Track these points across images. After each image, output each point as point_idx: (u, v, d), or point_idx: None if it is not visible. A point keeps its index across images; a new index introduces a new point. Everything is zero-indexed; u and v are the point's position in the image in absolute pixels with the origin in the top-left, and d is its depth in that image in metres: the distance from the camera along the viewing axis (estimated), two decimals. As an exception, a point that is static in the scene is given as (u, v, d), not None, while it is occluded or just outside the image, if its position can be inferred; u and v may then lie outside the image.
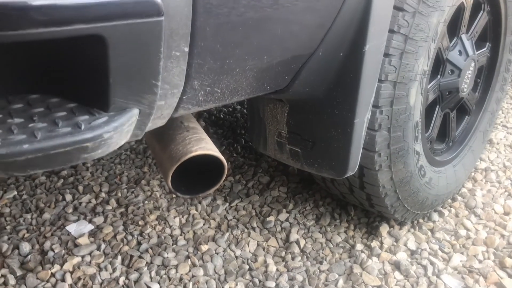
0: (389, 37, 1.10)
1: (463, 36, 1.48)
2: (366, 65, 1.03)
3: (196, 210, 1.69)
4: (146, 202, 1.73)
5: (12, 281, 1.37)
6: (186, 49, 0.73)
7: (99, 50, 0.62)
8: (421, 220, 1.62)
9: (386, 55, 1.12)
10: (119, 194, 1.78)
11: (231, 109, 2.53)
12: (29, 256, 1.46)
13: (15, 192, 1.79)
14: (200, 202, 1.72)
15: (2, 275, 1.39)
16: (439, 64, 1.41)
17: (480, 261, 1.46)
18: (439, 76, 1.43)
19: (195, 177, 1.02)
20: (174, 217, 1.65)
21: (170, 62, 0.70)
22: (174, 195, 1.77)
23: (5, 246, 1.50)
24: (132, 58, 0.64)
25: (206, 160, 0.97)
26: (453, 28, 1.44)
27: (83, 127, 0.64)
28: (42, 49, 0.66)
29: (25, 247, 1.50)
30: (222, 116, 2.44)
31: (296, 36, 0.95)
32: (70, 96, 0.72)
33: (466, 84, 1.51)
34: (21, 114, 0.67)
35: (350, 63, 1.03)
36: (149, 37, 0.64)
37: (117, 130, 0.67)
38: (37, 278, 1.39)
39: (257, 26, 0.84)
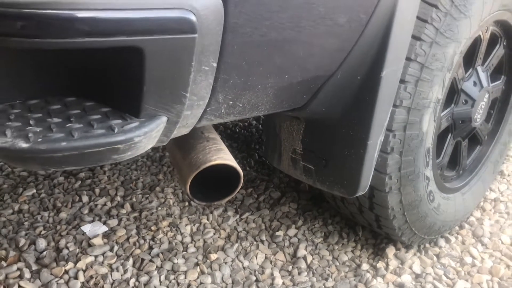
0: (406, 64, 1.15)
1: (479, 68, 1.52)
2: (382, 90, 1.08)
3: (208, 219, 1.74)
4: (160, 208, 1.78)
5: (27, 274, 1.42)
6: (215, 65, 0.78)
7: (137, 61, 0.68)
8: (427, 245, 1.64)
9: (402, 81, 1.16)
10: (134, 199, 1.83)
11: (246, 124, 2.58)
12: (44, 252, 1.52)
13: (34, 190, 1.86)
14: (211, 212, 1.77)
15: (18, 268, 1.44)
16: (453, 93, 1.45)
17: (484, 290, 1.48)
18: (453, 105, 1.47)
19: (211, 186, 1.07)
20: (186, 225, 1.70)
21: (199, 76, 0.76)
22: (187, 204, 1.82)
23: (22, 241, 1.55)
24: (165, 69, 0.70)
25: (223, 170, 1.01)
26: (469, 59, 1.48)
27: (116, 130, 0.70)
28: (84, 55, 0.72)
29: (41, 243, 1.55)
30: (237, 130, 2.49)
31: (317, 58, 1.00)
32: (105, 100, 0.77)
33: (479, 114, 1.55)
34: (59, 114, 0.73)
35: (367, 87, 1.07)
36: (183, 52, 0.70)
37: (146, 135, 0.72)
38: (51, 274, 1.44)
39: (280, 46, 0.89)
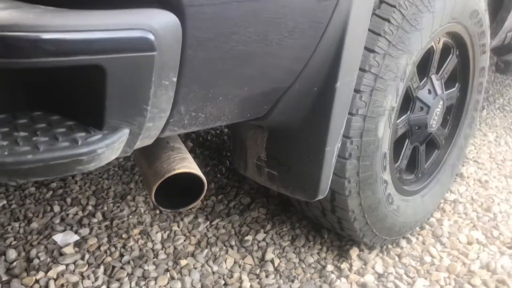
0: (360, 75, 1.22)
1: (433, 77, 1.61)
2: (337, 100, 1.14)
3: (178, 226, 1.78)
4: (131, 216, 1.81)
5: (-2, 285, 1.44)
6: (175, 79, 0.84)
7: (99, 78, 0.73)
8: (389, 246, 1.72)
9: (358, 91, 1.24)
10: (105, 208, 1.86)
11: (218, 131, 2.63)
12: (15, 263, 1.53)
13: (5, 201, 1.86)
14: (182, 220, 1.81)
15: (-12, 279, 1.46)
16: (409, 101, 1.53)
17: (441, 287, 1.55)
18: (409, 112, 1.55)
19: (177, 194, 1.12)
20: (157, 232, 1.73)
21: (159, 90, 0.81)
22: (157, 212, 1.85)
23: (-8, 252, 1.57)
24: (126, 85, 0.75)
25: (188, 178, 1.06)
26: (424, 68, 1.57)
27: (80, 142, 0.74)
28: (48, 73, 0.76)
29: (12, 253, 1.57)
30: (209, 138, 2.54)
31: (275, 71, 1.06)
32: (70, 115, 0.81)
33: (434, 120, 1.64)
34: (25, 128, 0.77)
35: (323, 97, 1.14)
36: (143, 69, 0.75)
37: (109, 147, 0.77)
38: (22, 284, 1.46)
39: (237, 60, 0.95)
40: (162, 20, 0.76)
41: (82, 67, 0.71)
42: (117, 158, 2.21)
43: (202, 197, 1.08)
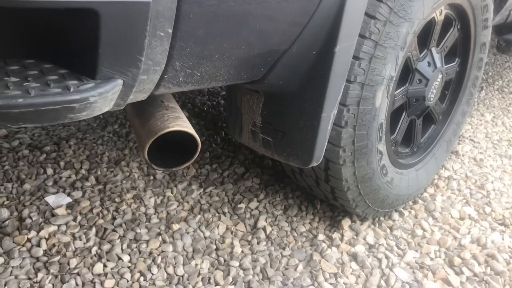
0: (360, 41, 1.21)
1: (433, 49, 1.60)
2: (336, 65, 1.13)
3: (172, 192, 1.78)
4: (124, 181, 1.81)
5: (-11, 242, 1.44)
6: (170, 31, 0.82)
7: (92, 23, 0.71)
8: (382, 218, 1.73)
9: (356, 58, 1.22)
10: (99, 172, 1.85)
11: (214, 103, 2.62)
12: (7, 222, 1.53)
13: (-2, 162, 1.86)
14: (176, 186, 1.81)
15: (-20, 237, 1.46)
16: (408, 72, 1.52)
17: (431, 259, 1.57)
18: (407, 84, 1.54)
19: (170, 153, 1.11)
20: (150, 197, 1.73)
21: (154, 41, 0.79)
22: (151, 177, 1.85)
23: (-16, 211, 1.56)
24: (120, 33, 0.73)
25: (182, 137, 1.05)
26: (424, 40, 1.55)
27: (72, 89, 0.73)
28: (41, 18, 0.74)
29: (4, 213, 1.57)
30: (205, 108, 2.53)
31: (273, 32, 1.04)
32: (63, 63, 0.80)
33: (432, 94, 1.63)
34: (17, 74, 0.76)
35: (321, 61, 1.13)
36: (137, 16, 0.73)
37: (102, 96, 0.75)
38: (13, 242, 1.46)
39: (236, 18, 0.93)
40: (158, -33, 0.74)
41: (76, 12, 0.70)
42: (112, 125, 2.20)
43: (195, 156, 1.07)
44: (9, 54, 0.81)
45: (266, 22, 1.01)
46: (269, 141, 1.33)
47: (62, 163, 1.89)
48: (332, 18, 1.08)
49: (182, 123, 1.04)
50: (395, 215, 1.75)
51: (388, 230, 1.68)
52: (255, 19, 0.98)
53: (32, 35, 0.80)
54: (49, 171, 1.83)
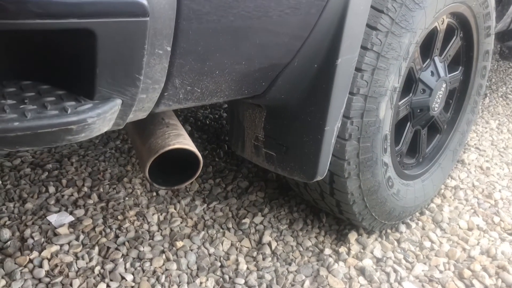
0: (362, 53, 1.19)
1: (436, 59, 1.58)
2: (338, 77, 1.11)
3: (175, 209, 1.75)
4: (127, 198, 1.79)
5: (-10, 264, 1.42)
6: (169, 49, 0.80)
7: (89, 43, 0.70)
8: (388, 230, 1.70)
9: (359, 70, 1.20)
10: (101, 190, 1.83)
11: (217, 116, 2.60)
12: (9, 242, 1.51)
13: (0, 182, 1.84)
14: (179, 202, 1.78)
15: (-19, 258, 1.44)
16: (411, 82, 1.50)
17: (440, 272, 1.53)
18: (411, 94, 1.52)
19: (172, 171, 1.09)
20: (153, 214, 1.71)
21: (153, 59, 0.78)
22: (154, 194, 1.83)
23: (-14, 232, 1.54)
24: (118, 52, 0.72)
25: (184, 155, 1.04)
26: (427, 50, 1.53)
27: (69, 111, 0.71)
28: (37, 39, 0.73)
29: (6, 233, 1.55)
30: (207, 122, 2.51)
31: (274, 46, 1.03)
32: (60, 84, 0.78)
33: (437, 103, 1.61)
34: (13, 96, 0.74)
35: (323, 74, 1.11)
36: (135, 35, 0.72)
37: (100, 117, 0.74)
38: (15, 263, 1.44)
39: (235, 33, 0.92)
40: (155, -15, 0.72)
41: (72, 32, 0.68)
42: (114, 141, 2.19)
43: (197, 174, 1.05)
44: (6, 76, 0.80)
45: (267, 37, 0.99)
46: (272, 155, 1.31)
47: (64, 181, 1.87)
48: (333, 31, 1.07)
49: (183, 141, 1.02)
50: (402, 227, 1.72)
51: (396, 243, 1.65)
52: (256, 34, 0.97)
53: (29, 56, 0.78)
54: (51, 189, 1.82)
